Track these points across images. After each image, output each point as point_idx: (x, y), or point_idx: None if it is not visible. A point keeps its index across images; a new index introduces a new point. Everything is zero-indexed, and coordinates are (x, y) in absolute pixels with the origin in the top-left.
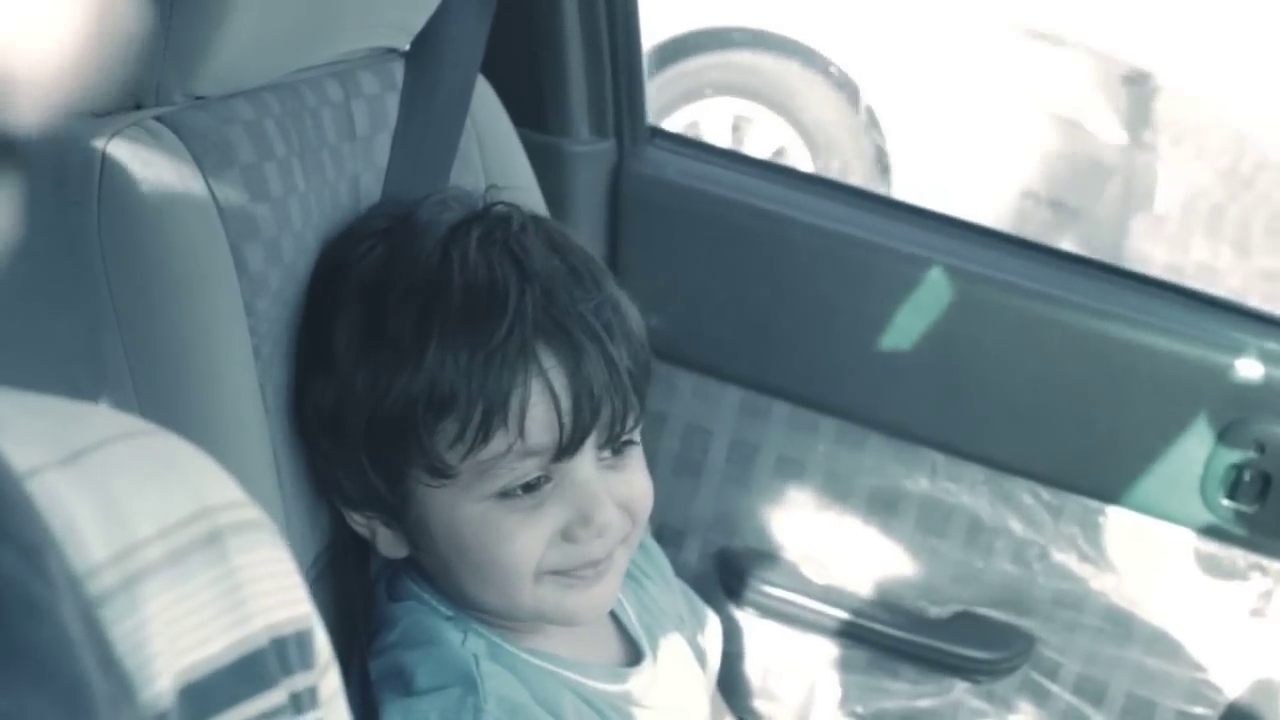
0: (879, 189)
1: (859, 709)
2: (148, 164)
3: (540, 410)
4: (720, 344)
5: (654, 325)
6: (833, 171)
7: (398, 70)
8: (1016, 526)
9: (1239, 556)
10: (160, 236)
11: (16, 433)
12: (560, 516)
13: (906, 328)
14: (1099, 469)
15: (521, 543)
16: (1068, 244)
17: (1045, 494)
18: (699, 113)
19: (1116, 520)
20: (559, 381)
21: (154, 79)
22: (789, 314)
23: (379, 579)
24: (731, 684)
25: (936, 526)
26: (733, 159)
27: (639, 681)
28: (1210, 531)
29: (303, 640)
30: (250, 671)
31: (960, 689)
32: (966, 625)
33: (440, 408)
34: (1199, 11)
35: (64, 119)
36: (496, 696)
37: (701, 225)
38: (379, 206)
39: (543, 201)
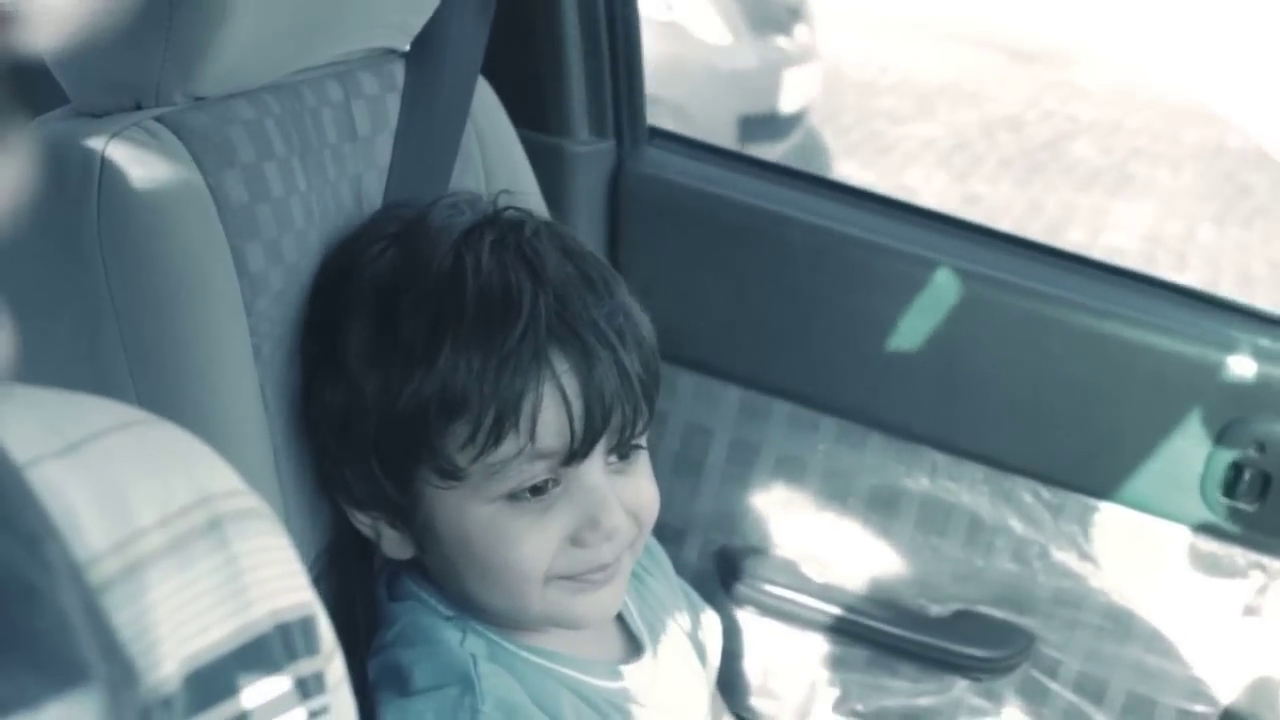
0: None
1: (859, 707)
2: (147, 164)
3: (552, 414)
4: (720, 344)
5: (654, 325)
6: None
7: (398, 71)
8: (1016, 525)
9: (1238, 555)
10: (160, 237)
11: (15, 423)
12: (569, 521)
13: (907, 327)
14: (1099, 467)
15: (530, 547)
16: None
17: (1045, 492)
18: None
19: (1116, 519)
20: (571, 386)
21: (154, 79)
22: (789, 314)
23: (379, 579)
24: (731, 682)
25: (936, 525)
26: (733, 159)
27: (639, 678)
28: (1210, 530)
29: (307, 626)
30: (255, 657)
31: (960, 687)
32: (967, 623)
33: (452, 410)
34: None
35: (64, 119)
36: (494, 697)
37: (701, 225)
38: (388, 209)
39: (543, 202)
